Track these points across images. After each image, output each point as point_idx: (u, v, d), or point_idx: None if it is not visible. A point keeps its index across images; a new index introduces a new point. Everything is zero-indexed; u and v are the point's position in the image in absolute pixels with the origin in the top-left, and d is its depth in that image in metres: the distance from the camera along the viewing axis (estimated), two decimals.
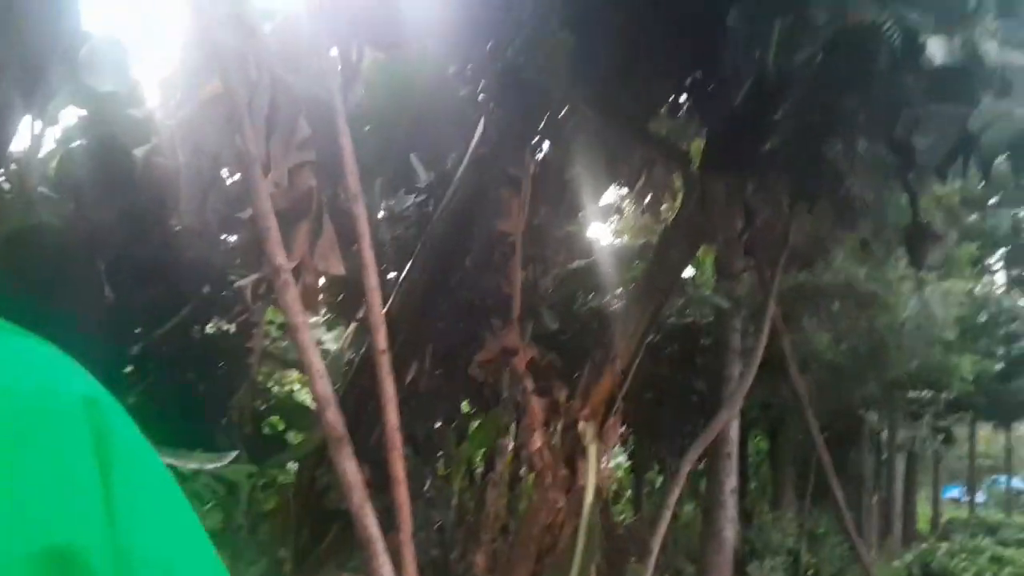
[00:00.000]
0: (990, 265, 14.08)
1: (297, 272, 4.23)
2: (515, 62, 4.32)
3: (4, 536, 0.39)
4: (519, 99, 4.63)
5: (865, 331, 9.23)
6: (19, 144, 4.60)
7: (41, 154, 5.22)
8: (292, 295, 3.31)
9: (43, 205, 4.78)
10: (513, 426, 9.03)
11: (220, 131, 4.30)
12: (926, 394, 12.44)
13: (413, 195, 7.22)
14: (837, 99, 4.37)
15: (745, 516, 11.94)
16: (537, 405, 5.73)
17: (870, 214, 5.90)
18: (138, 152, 4.57)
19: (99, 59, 5.07)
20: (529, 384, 5.66)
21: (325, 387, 3.27)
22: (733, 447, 9.26)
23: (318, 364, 3.31)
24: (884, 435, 15.69)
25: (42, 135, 4.76)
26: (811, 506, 12.65)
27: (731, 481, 9.19)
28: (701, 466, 10.15)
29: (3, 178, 4.83)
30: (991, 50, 4.08)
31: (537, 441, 5.58)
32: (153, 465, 0.49)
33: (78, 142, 5.13)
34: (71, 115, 5.34)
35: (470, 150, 5.66)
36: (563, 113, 5.29)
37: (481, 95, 5.06)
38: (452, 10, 4.43)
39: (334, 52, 4.29)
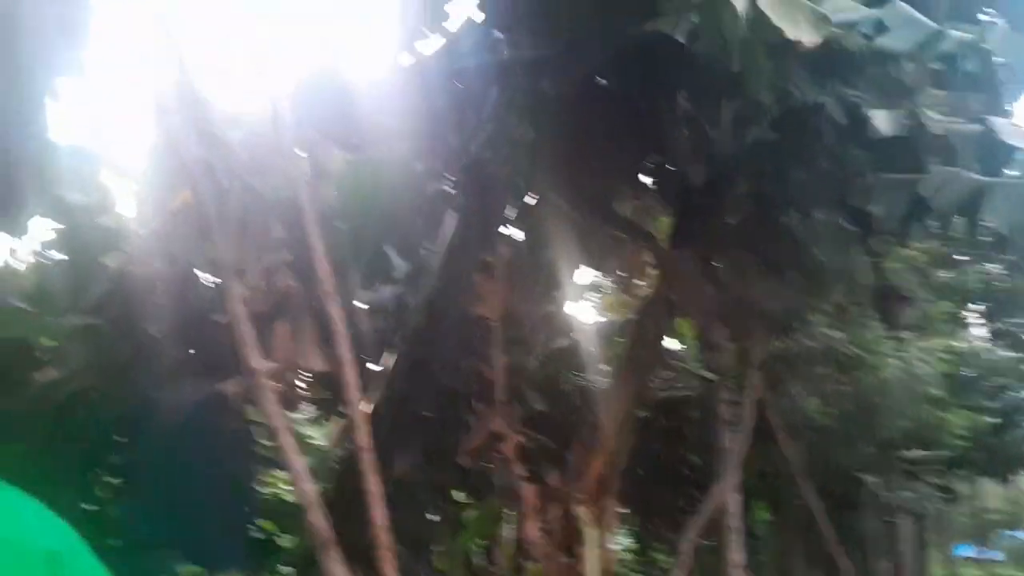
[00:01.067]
0: (967, 320, 14.17)
1: (280, 372, 4.27)
2: (480, 157, 4.46)
3: None
4: (486, 190, 4.76)
5: (851, 393, 9.22)
6: None
7: (18, 266, 5.28)
8: (270, 398, 3.32)
9: (19, 318, 4.80)
10: (510, 513, 8.88)
11: (192, 239, 4.39)
12: (921, 453, 12.31)
13: (391, 286, 7.27)
14: (790, 173, 4.52)
15: None
16: (529, 492, 5.66)
17: (839, 279, 5.99)
18: (110, 262, 4.63)
19: (68, 170, 5.18)
20: (519, 470, 5.60)
21: (309, 488, 3.26)
22: (736, 520, 9.08)
23: (300, 467, 3.30)
24: (886, 496, 15.45)
25: (14, 250, 4.82)
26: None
27: (738, 556, 8.96)
28: (709, 543, 9.94)
29: None
30: (935, 118, 4.27)
31: (533, 530, 5.46)
32: None
33: (52, 254, 5.19)
34: (42, 226, 5.41)
35: (443, 240, 5.77)
36: (530, 200, 5.43)
37: (450, 189, 5.19)
38: (413, 111, 4.61)
39: (302, 155, 4.42)
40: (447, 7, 4.61)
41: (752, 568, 12.27)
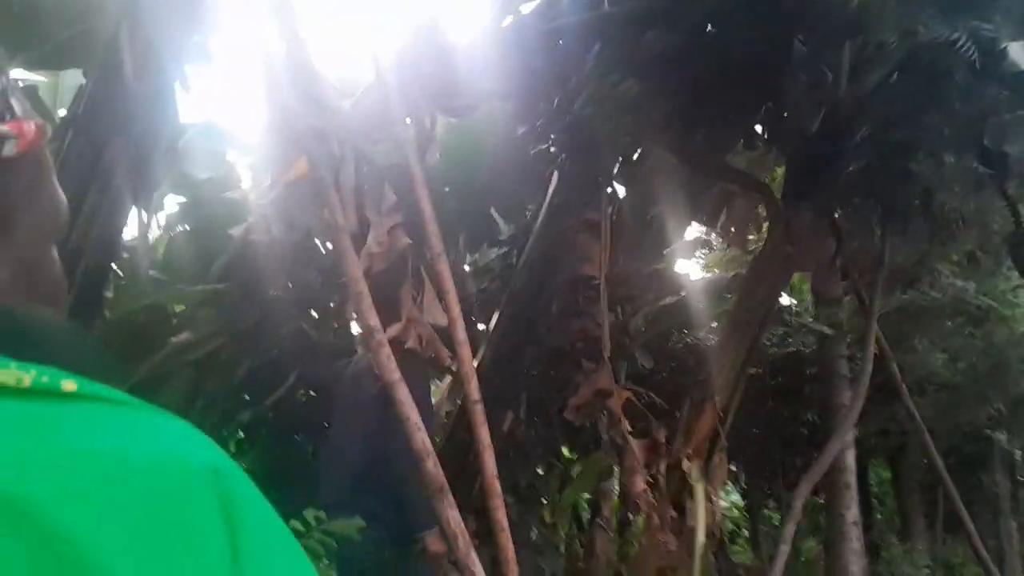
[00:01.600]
0: None
1: (408, 329, 4.41)
2: (582, 114, 4.40)
3: None
4: (590, 148, 4.70)
5: (982, 348, 8.69)
6: (128, 233, 4.98)
7: (150, 241, 5.62)
8: (386, 353, 3.42)
9: (155, 288, 5.13)
10: (616, 469, 8.94)
11: (310, 206, 4.56)
12: None
13: (496, 248, 7.35)
14: (918, 116, 4.24)
15: (872, 549, 11.30)
16: (637, 447, 5.65)
17: (971, 226, 5.64)
18: (235, 231, 4.87)
19: (196, 148, 5.47)
20: (627, 426, 5.60)
21: (423, 439, 3.35)
22: (851, 477, 8.81)
23: (415, 418, 3.39)
24: (1018, 455, 14.63)
25: (149, 223, 5.13)
26: (944, 535, 11.84)
27: (852, 513, 8.73)
28: (822, 500, 9.72)
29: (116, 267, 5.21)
30: None
31: (640, 483, 5.48)
32: (278, 531, 0.52)
33: (181, 227, 5.50)
34: (173, 202, 5.75)
35: (546, 201, 5.75)
36: (636, 156, 5.33)
37: (553, 149, 5.15)
38: (515, 71, 4.58)
39: (408, 122, 4.48)
40: None
41: (869, 526, 11.94)
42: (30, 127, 0.61)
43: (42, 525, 0.43)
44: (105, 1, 4.56)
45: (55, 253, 0.66)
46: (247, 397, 5.97)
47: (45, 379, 0.49)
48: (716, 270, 10.73)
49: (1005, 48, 3.64)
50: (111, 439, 0.48)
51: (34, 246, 0.63)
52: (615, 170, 5.44)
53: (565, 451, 8.68)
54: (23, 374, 0.48)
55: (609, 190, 5.63)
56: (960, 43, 3.51)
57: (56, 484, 0.45)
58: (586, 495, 8.86)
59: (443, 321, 4.53)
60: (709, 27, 4.45)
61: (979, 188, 5.04)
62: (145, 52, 3.61)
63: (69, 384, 0.49)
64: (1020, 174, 4.44)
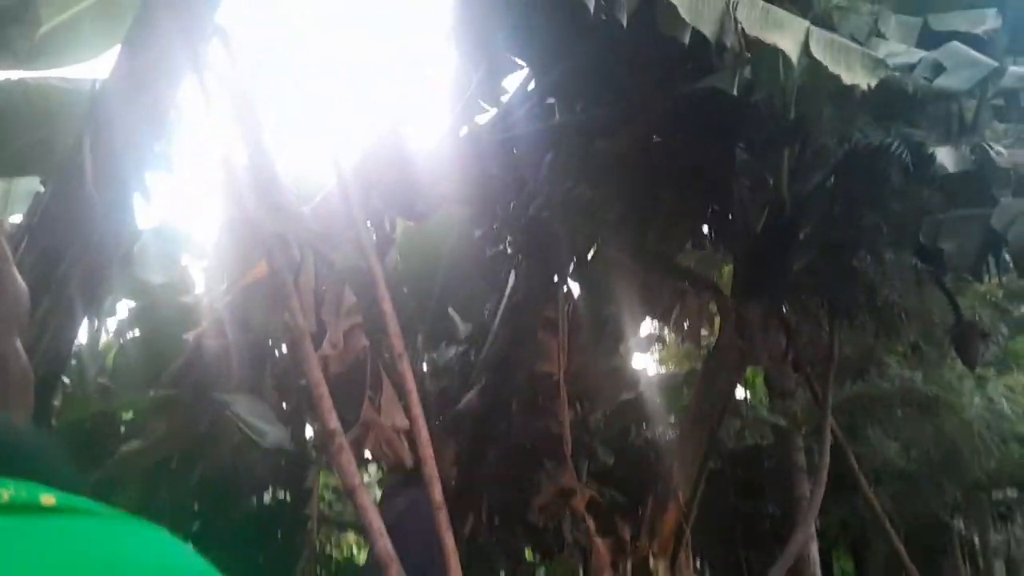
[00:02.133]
0: None
1: (368, 430, 4.34)
2: (539, 216, 4.53)
3: None
4: (546, 249, 4.82)
5: (933, 436, 8.86)
6: (77, 339, 4.88)
7: (99, 347, 5.50)
8: (347, 458, 3.35)
9: (103, 396, 4.99)
10: (581, 570, 8.71)
11: (267, 309, 4.54)
12: (1012, 494, 11.71)
13: (454, 347, 7.35)
14: (857, 215, 4.47)
15: None
16: (603, 546, 5.55)
17: (914, 319, 5.85)
18: (188, 336, 4.81)
19: (150, 252, 5.44)
20: (592, 524, 5.50)
21: (386, 547, 3.24)
22: (816, 569, 8.76)
23: (378, 523, 3.29)
24: (977, 541, 14.71)
25: (99, 330, 5.04)
26: None
27: None
28: None
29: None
30: (1001, 152, 4.19)
31: None
32: None
33: (132, 332, 5.41)
34: (123, 307, 5.68)
35: (504, 300, 5.82)
36: (591, 256, 5.47)
37: (509, 250, 5.27)
38: (472, 177, 4.72)
39: (369, 225, 4.56)
40: (504, 83, 4.77)
41: None
42: None
43: None
44: (67, 110, 4.61)
45: (19, 344, 0.66)
46: (197, 507, 5.76)
47: (24, 494, 0.49)
48: (671, 365, 10.85)
49: (933, 152, 3.88)
50: (97, 551, 0.48)
51: (1, 339, 0.62)
52: (570, 269, 5.56)
53: (527, 554, 8.47)
54: (2, 491, 0.49)
55: (565, 289, 5.73)
56: (894, 147, 3.74)
57: None
58: None
59: (403, 423, 4.48)
60: (655, 137, 4.68)
61: (919, 283, 5.27)
62: (107, 159, 3.62)
63: (48, 498, 0.50)
64: (956, 268, 4.66)
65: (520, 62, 4.84)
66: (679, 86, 4.16)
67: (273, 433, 4.09)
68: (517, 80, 4.93)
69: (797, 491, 8.43)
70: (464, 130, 4.79)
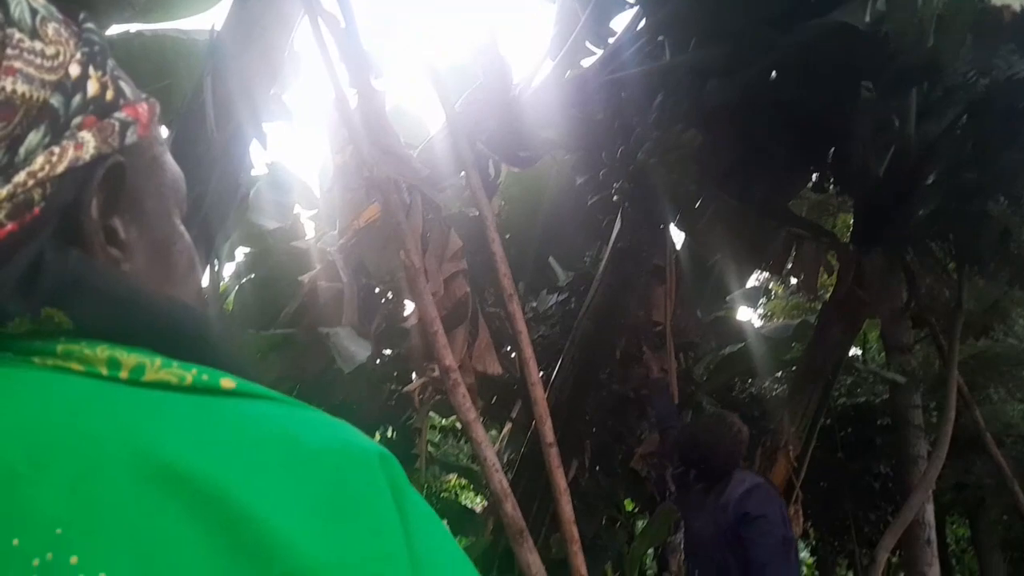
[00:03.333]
0: None
1: (464, 372, 4.41)
2: (646, 163, 4.41)
3: None
4: (654, 196, 4.69)
5: None
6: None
7: (220, 290, 5.77)
8: (462, 393, 3.40)
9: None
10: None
11: (379, 251, 4.64)
12: None
13: (555, 295, 7.35)
14: (993, 156, 4.14)
15: None
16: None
17: None
18: (303, 278, 4.97)
19: (263, 199, 5.63)
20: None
21: (502, 481, 3.29)
22: (932, 533, 8.42)
23: (493, 458, 3.34)
24: None
25: (219, 274, 5.27)
26: None
27: (934, 571, 8.28)
28: (895, 558, 9.29)
29: None
30: None
31: None
32: (437, 520, 0.52)
33: (248, 276, 5.64)
34: (240, 254, 5.91)
35: (609, 246, 5.74)
36: (700, 203, 5.30)
37: (615, 197, 5.16)
38: (577, 121, 4.62)
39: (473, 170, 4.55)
40: (613, 23, 4.61)
41: None
42: (143, 108, 0.60)
43: (229, 506, 0.43)
44: (184, 59, 4.78)
45: (182, 227, 0.66)
46: None
47: (205, 377, 0.50)
48: (778, 318, 10.53)
49: None
50: (280, 428, 0.49)
51: (163, 224, 0.63)
52: (677, 217, 5.41)
53: (628, 504, 8.50)
54: (185, 372, 0.50)
55: (671, 236, 5.59)
56: None
57: (238, 467, 0.45)
58: (650, 549, 8.62)
59: (494, 370, 4.52)
60: (773, 75, 4.44)
61: None
62: (225, 106, 3.75)
63: (228, 382, 0.50)
64: None
65: None
66: (800, 21, 3.92)
67: (360, 354, 4.19)
68: (626, 20, 4.76)
69: (911, 450, 8.07)
70: (569, 73, 4.68)
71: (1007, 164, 4.18)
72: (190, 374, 0.50)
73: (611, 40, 4.74)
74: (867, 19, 3.42)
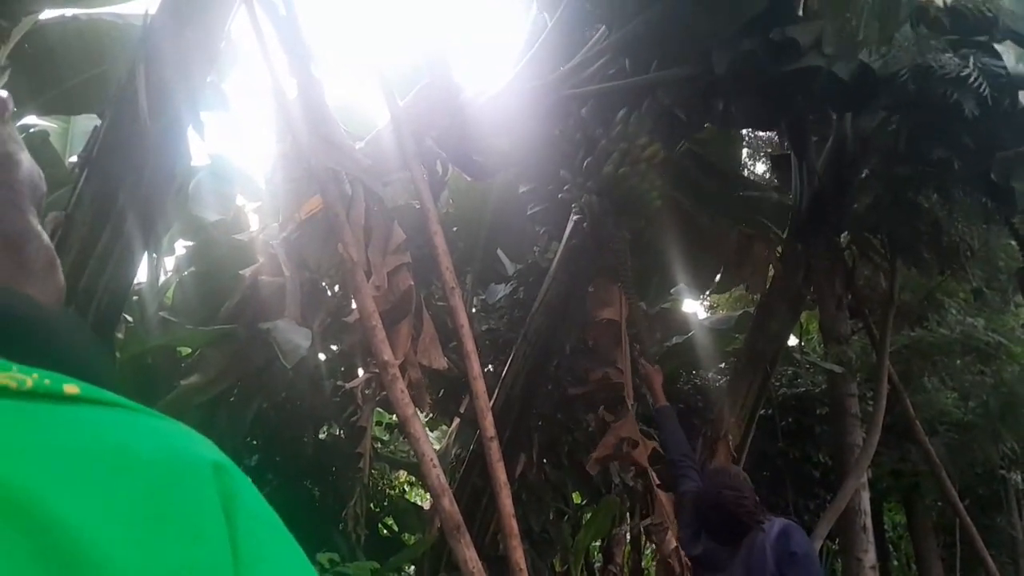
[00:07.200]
0: None
1: (402, 369, 4.36)
2: (614, 175, 4.47)
3: None
4: (620, 205, 4.72)
5: (992, 385, 8.61)
6: (138, 276, 4.98)
7: (159, 283, 5.62)
8: (400, 388, 3.38)
9: (164, 329, 5.10)
10: (628, 513, 8.78)
11: (322, 244, 4.56)
12: None
13: (503, 285, 7.34)
14: (926, 150, 4.27)
15: None
16: (665, 499, 5.45)
17: (978, 261, 5.63)
18: (244, 272, 4.87)
19: (205, 190, 5.49)
20: (654, 477, 5.44)
21: (439, 476, 3.28)
22: (867, 519, 8.66)
23: (431, 453, 3.32)
24: None
25: (158, 266, 5.14)
26: None
27: (870, 557, 8.52)
28: (836, 545, 9.53)
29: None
30: None
31: (672, 541, 5.21)
32: (277, 528, 0.52)
33: (189, 270, 5.51)
34: (181, 246, 5.77)
35: (563, 242, 5.75)
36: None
37: (580, 208, 5.19)
38: (532, 134, 4.64)
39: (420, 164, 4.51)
40: (578, 38, 4.65)
41: (886, 572, 11.67)
42: None
43: (41, 515, 0.42)
44: (120, 44, 4.63)
45: (38, 225, 0.65)
46: (254, 442, 5.90)
47: (47, 382, 0.48)
48: (722, 310, 10.71)
49: (1013, 85, 3.67)
50: (112, 436, 0.47)
51: (13, 218, 0.61)
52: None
53: (576, 496, 8.55)
54: (25, 377, 0.47)
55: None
56: (971, 78, 3.54)
57: (55, 476, 0.44)
58: (596, 541, 8.70)
59: (439, 364, 4.50)
60: (723, 90, 4.53)
61: (987, 222, 5.05)
62: (160, 93, 3.64)
63: (71, 388, 0.49)
64: None
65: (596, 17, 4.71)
66: (748, 40, 4.02)
67: (302, 346, 4.13)
68: (589, 36, 4.82)
69: (849, 438, 8.29)
70: (529, 84, 4.69)
71: (938, 159, 4.32)
72: (31, 378, 0.47)
73: (577, 55, 4.78)
74: (811, 39, 3.52)
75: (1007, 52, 3.58)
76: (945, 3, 3.43)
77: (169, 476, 0.47)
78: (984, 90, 3.55)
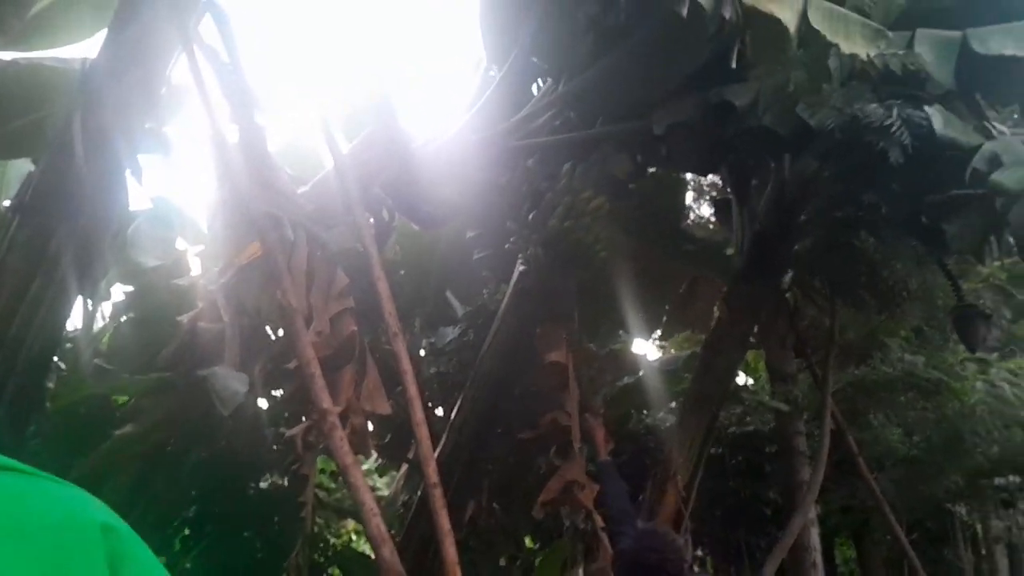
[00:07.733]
0: None
1: (345, 416, 4.28)
2: (559, 227, 4.54)
3: None
4: (566, 256, 4.77)
5: (935, 421, 8.81)
6: (72, 323, 4.84)
7: (94, 330, 5.46)
8: (340, 437, 3.32)
9: (98, 378, 4.95)
10: (581, 556, 8.70)
11: (261, 290, 4.49)
12: (1015, 480, 11.67)
13: (452, 328, 7.31)
14: (859, 195, 4.42)
15: None
16: (609, 543, 5.42)
17: (916, 302, 5.80)
18: (183, 318, 4.76)
19: (144, 235, 5.39)
20: (599, 519, 5.41)
21: (379, 526, 3.21)
22: (817, 555, 8.73)
23: (371, 503, 3.26)
24: (979, 527, 14.69)
25: (94, 313, 5.00)
26: None
27: None
28: None
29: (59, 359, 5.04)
30: (1004, 131, 4.13)
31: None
32: None
33: (126, 316, 5.37)
34: (119, 291, 5.63)
35: (511, 286, 5.76)
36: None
37: (525, 260, 5.21)
38: (481, 184, 4.69)
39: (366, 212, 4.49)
40: (526, 90, 4.73)
41: None
42: None
43: None
44: (60, 89, 4.56)
45: None
46: (193, 492, 5.72)
47: None
48: (673, 349, 10.81)
49: (935, 132, 3.82)
50: (2, 501, 0.49)
51: None
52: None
53: (527, 541, 8.45)
54: None
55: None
56: (894, 127, 3.68)
57: None
58: None
59: (383, 409, 4.43)
60: (664, 150, 4.65)
61: (920, 264, 5.21)
62: (98, 138, 3.58)
63: None
64: (958, 250, 4.61)
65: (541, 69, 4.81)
66: (689, 98, 4.15)
67: (239, 393, 4.04)
68: (535, 88, 4.92)
69: (798, 476, 8.39)
70: (477, 134, 4.74)
71: (870, 203, 4.46)
72: None
73: (524, 107, 4.85)
74: (747, 100, 3.65)
75: (935, 116, 3.75)
76: (869, 58, 3.57)
77: (58, 539, 0.48)
78: (906, 139, 3.69)
